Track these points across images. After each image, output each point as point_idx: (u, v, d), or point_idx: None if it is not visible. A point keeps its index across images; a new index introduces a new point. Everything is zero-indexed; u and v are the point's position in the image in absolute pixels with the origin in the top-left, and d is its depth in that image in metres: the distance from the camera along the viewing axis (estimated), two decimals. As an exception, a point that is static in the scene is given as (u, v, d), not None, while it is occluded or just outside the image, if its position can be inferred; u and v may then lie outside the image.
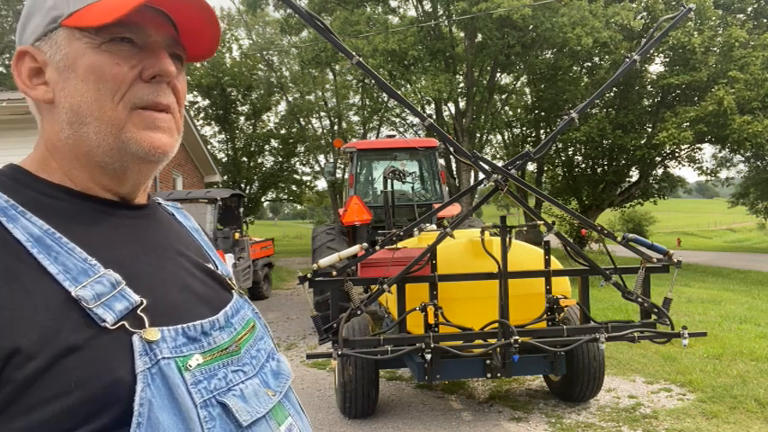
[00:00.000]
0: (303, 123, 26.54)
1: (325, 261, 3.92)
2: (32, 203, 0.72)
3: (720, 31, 17.41)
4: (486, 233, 4.20)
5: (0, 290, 0.64)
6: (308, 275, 3.85)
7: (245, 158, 27.48)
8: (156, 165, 0.81)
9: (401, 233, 3.96)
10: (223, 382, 0.74)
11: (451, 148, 4.17)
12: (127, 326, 0.68)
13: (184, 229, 0.96)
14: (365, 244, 4.03)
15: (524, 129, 23.19)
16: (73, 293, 0.66)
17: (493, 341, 3.93)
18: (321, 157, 27.37)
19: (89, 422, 0.62)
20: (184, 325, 0.73)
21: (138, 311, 0.70)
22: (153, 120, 0.77)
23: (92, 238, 0.73)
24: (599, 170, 21.05)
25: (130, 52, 0.76)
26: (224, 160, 26.54)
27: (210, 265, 0.90)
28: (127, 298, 0.70)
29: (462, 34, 18.87)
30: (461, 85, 19.26)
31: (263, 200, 30.29)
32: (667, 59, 18.12)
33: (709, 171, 21.39)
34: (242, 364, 0.79)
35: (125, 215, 0.81)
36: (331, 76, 25.44)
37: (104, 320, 0.67)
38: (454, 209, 7.76)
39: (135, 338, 0.67)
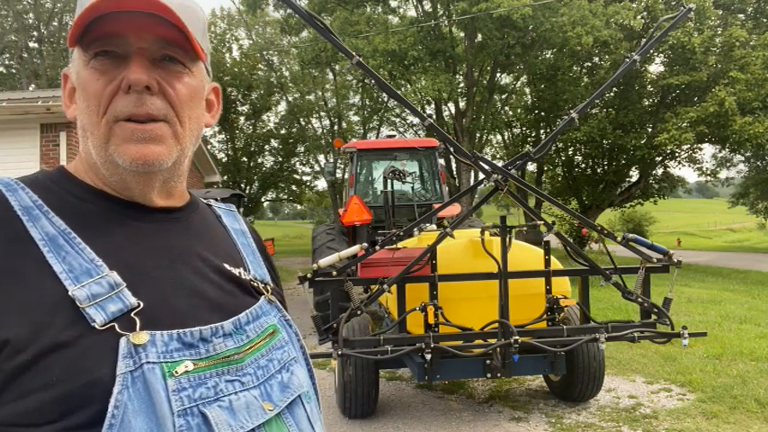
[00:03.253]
0: (303, 123, 26.56)
1: (325, 261, 3.92)
2: (60, 203, 0.77)
3: (720, 31, 17.41)
4: (486, 233, 4.20)
5: (1, 286, 0.68)
6: (308, 275, 3.85)
7: (245, 158, 27.50)
8: (150, 175, 0.81)
9: (401, 233, 3.95)
10: (211, 392, 0.72)
11: (451, 148, 4.17)
12: (117, 327, 0.68)
13: (225, 232, 0.95)
14: (365, 244, 4.02)
15: (524, 129, 23.19)
16: (69, 293, 0.68)
17: (493, 341, 3.93)
18: (321, 157, 27.40)
19: (67, 417, 0.64)
20: (181, 330, 0.73)
21: (132, 314, 0.70)
22: (131, 131, 0.77)
23: (104, 240, 0.75)
24: (599, 170, 21.05)
25: (112, 65, 0.77)
26: (224, 160, 26.58)
27: (239, 270, 0.88)
28: (123, 300, 0.71)
29: (462, 34, 18.88)
30: (461, 85, 19.27)
31: (263, 200, 30.32)
32: (667, 59, 18.12)
33: (709, 172, 21.40)
34: (241, 374, 0.77)
35: (149, 219, 0.82)
36: (331, 76, 25.46)
37: (94, 321, 0.68)
38: (454, 209, 7.75)
39: (122, 341, 0.68)
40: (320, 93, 26.48)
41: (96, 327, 0.68)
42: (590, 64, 20.18)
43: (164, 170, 0.81)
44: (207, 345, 0.75)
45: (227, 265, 0.87)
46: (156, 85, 0.78)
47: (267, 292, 0.91)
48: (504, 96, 21.80)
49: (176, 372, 0.70)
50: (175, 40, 0.79)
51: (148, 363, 0.68)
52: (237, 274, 0.87)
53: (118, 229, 0.79)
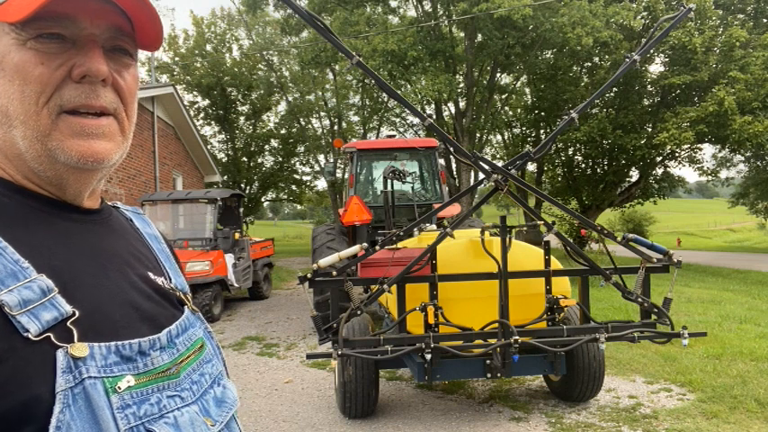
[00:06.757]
0: (303, 123, 26.55)
1: (325, 261, 3.92)
2: None
3: (721, 31, 17.41)
4: (486, 233, 4.20)
5: None
6: (308, 275, 3.85)
7: (245, 158, 27.49)
8: (93, 173, 0.74)
9: (401, 233, 3.96)
10: (155, 408, 0.68)
11: (451, 148, 4.17)
12: (52, 338, 0.62)
13: (140, 237, 0.89)
14: (365, 244, 4.03)
15: (524, 129, 23.20)
16: None
17: (493, 341, 3.93)
18: (321, 157, 27.41)
19: None
20: (119, 342, 0.67)
21: (68, 323, 0.64)
22: (81, 126, 0.70)
23: (30, 240, 0.67)
24: (599, 170, 21.05)
25: (59, 49, 0.69)
26: (224, 160, 26.56)
27: (162, 279, 0.84)
28: (57, 307, 0.64)
29: (462, 34, 18.88)
30: (461, 85, 19.26)
31: (263, 200, 30.30)
32: (667, 59, 18.13)
33: (709, 171, 21.41)
34: (180, 390, 0.73)
35: (72, 218, 0.75)
36: (331, 76, 25.45)
37: (27, 330, 0.61)
38: (454, 209, 7.76)
39: (59, 353, 0.61)
40: (320, 93, 26.47)
41: (30, 337, 0.60)
42: (590, 64, 20.18)
43: (106, 168, 0.74)
44: (145, 358, 0.70)
45: (150, 274, 0.82)
46: (110, 77, 0.72)
47: (189, 302, 0.86)
48: (504, 96, 21.79)
49: (119, 387, 0.64)
50: (126, 29, 0.74)
51: (90, 378, 0.62)
52: (161, 284, 0.83)
53: (43, 229, 0.70)
